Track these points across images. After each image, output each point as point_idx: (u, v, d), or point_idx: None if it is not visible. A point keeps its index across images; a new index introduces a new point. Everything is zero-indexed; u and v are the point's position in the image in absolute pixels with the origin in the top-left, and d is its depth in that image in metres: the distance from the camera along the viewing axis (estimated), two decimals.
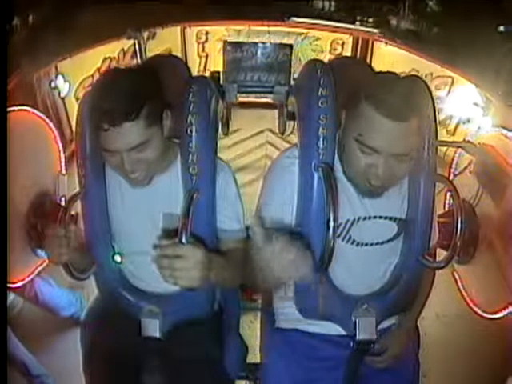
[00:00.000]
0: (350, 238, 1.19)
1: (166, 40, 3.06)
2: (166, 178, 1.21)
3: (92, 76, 2.56)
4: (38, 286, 1.94)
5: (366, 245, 1.20)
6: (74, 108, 2.50)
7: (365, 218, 1.18)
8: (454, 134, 2.49)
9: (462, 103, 2.35)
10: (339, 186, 1.13)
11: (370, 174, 1.08)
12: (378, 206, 1.18)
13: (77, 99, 2.53)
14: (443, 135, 2.53)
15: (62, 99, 2.49)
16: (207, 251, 1.02)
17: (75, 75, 2.53)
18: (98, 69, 2.54)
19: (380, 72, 1.16)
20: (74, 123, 2.31)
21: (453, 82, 2.37)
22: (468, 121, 2.35)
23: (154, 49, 2.77)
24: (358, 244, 1.19)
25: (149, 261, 1.22)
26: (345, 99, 1.11)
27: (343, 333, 1.24)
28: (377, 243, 1.20)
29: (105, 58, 2.58)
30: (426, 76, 2.48)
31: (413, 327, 1.34)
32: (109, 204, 1.24)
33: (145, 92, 1.08)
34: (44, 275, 1.93)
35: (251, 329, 1.63)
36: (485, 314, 1.77)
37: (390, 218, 1.20)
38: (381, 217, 1.19)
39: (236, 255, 1.23)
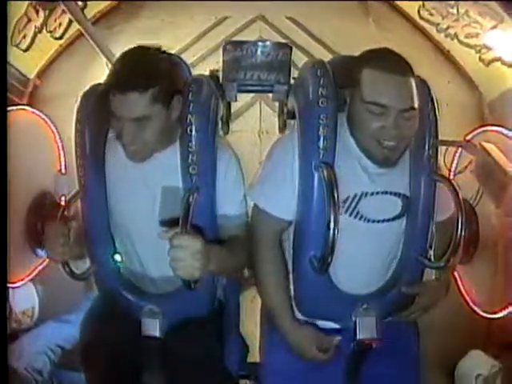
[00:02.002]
0: (357, 213, 1.18)
1: None
2: (165, 156, 1.21)
3: (26, 14, 2.27)
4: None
5: (373, 221, 1.19)
6: (17, 56, 2.27)
7: (372, 194, 1.18)
8: (487, 66, 2.31)
9: (507, 46, 2.15)
10: (350, 159, 1.14)
11: (382, 136, 1.10)
12: (385, 181, 1.19)
13: (16, 46, 2.27)
14: (475, 59, 2.36)
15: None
16: (206, 241, 1.02)
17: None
18: (30, 3, 2.27)
19: None
20: (25, 70, 2.08)
21: (502, 21, 2.13)
22: (509, 66, 2.18)
23: None
24: (364, 219, 1.19)
25: (150, 249, 1.22)
26: (346, 79, 1.15)
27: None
28: (383, 220, 1.20)
29: None
30: None
31: (448, 282, 1.34)
32: (109, 199, 1.24)
33: (158, 73, 1.14)
34: None
35: (254, 303, 1.62)
36: (485, 314, 1.78)
37: (395, 194, 1.20)
38: (387, 192, 1.19)
39: (236, 244, 1.23)
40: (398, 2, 2.55)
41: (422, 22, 2.53)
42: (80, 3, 2.33)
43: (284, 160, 1.20)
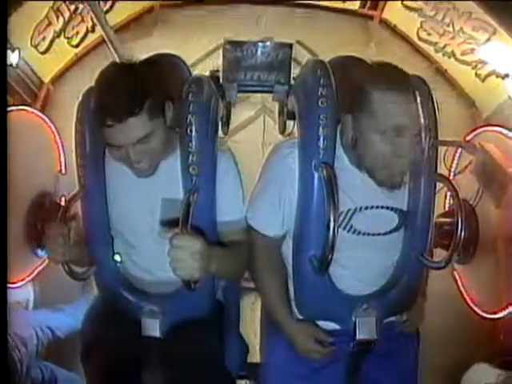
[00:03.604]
0: (351, 227, 1.18)
1: None
2: (166, 166, 1.21)
3: (47, 17, 2.33)
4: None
5: (368, 235, 1.19)
6: (35, 57, 2.33)
7: (366, 208, 1.18)
8: (483, 81, 2.36)
9: (501, 58, 2.20)
10: (343, 174, 1.14)
11: (396, 164, 1.10)
12: (380, 196, 1.19)
13: (35, 47, 2.33)
14: (471, 75, 2.41)
15: (17, 64, 2.21)
16: (207, 242, 1.02)
17: (25, 28, 2.28)
18: (52, 7, 2.32)
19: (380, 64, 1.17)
20: (41, 73, 2.08)
21: (495, 33, 2.20)
22: (503, 78, 2.20)
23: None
24: (359, 233, 1.19)
25: (151, 248, 1.22)
26: (350, 102, 1.12)
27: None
28: (378, 234, 1.20)
29: None
30: (462, 13, 2.31)
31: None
32: (109, 201, 1.24)
33: (146, 86, 1.09)
34: None
35: (253, 310, 1.63)
36: (485, 314, 1.78)
37: (391, 209, 1.20)
38: (382, 207, 1.19)
39: (237, 247, 1.23)
40: (398, 25, 2.62)
41: (420, 43, 2.58)
42: (104, 8, 2.37)
43: (277, 177, 1.20)
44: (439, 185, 1.24)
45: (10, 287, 1.73)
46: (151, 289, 1.29)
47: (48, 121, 1.95)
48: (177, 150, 1.21)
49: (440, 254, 1.34)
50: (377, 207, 1.18)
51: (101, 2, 2.17)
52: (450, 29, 2.43)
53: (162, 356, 1.26)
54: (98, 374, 1.30)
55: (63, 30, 2.47)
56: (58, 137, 1.96)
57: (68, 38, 2.53)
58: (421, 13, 2.50)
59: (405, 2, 2.52)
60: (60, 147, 1.97)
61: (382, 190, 1.17)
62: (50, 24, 2.40)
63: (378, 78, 1.10)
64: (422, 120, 1.13)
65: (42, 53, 2.41)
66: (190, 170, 1.18)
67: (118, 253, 1.28)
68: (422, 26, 2.53)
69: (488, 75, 2.31)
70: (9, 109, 1.63)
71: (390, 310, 1.25)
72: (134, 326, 1.24)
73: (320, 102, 1.13)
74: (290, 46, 1.81)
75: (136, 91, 1.07)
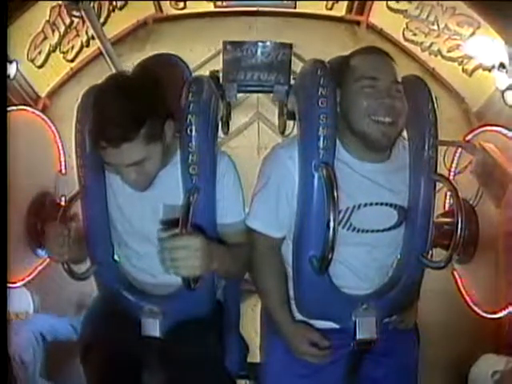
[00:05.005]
0: (350, 224, 1.18)
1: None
2: (166, 173, 1.20)
3: (43, 31, 2.32)
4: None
5: (367, 231, 1.19)
6: (32, 71, 2.34)
7: (365, 205, 1.18)
8: (470, 76, 2.39)
9: (486, 51, 2.22)
10: (340, 168, 1.14)
11: (377, 111, 1.11)
12: (378, 192, 1.19)
13: (32, 61, 2.34)
14: (458, 71, 2.44)
15: (15, 76, 2.22)
16: (208, 240, 1.03)
17: (21, 42, 2.27)
18: (48, 21, 2.32)
19: None
20: (37, 87, 2.05)
21: (479, 27, 2.22)
22: (489, 70, 2.22)
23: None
24: (358, 230, 1.19)
25: (154, 252, 1.23)
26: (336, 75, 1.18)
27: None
28: (377, 230, 1.20)
29: (52, 7, 2.32)
30: (446, 9, 2.33)
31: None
32: (109, 202, 1.24)
33: (144, 111, 1.07)
34: None
35: (254, 312, 1.62)
36: (485, 314, 1.78)
37: (391, 205, 1.20)
38: (382, 203, 1.19)
39: (238, 247, 1.23)
40: (384, 28, 2.65)
41: (406, 44, 2.61)
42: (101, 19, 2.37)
43: (276, 180, 1.20)
44: (439, 185, 1.24)
45: (10, 287, 1.73)
46: (154, 291, 1.29)
47: (48, 121, 1.95)
48: (177, 155, 1.20)
49: (440, 254, 1.34)
50: (376, 204, 1.19)
51: (95, 15, 2.16)
52: (435, 27, 2.46)
53: (161, 356, 1.26)
54: (98, 373, 1.29)
55: (59, 44, 2.48)
56: (58, 137, 1.97)
57: (63, 53, 2.54)
58: (406, 14, 2.53)
59: (389, 3, 2.54)
60: (60, 147, 1.97)
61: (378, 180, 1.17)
62: (45, 38, 2.40)
63: (357, 50, 1.21)
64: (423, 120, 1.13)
65: (39, 67, 2.43)
66: (190, 170, 1.17)
67: (117, 252, 1.28)
68: (407, 27, 2.57)
69: (475, 69, 2.33)
70: (9, 109, 1.62)
71: (389, 309, 1.25)
72: (134, 326, 1.24)
73: (320, 102, 1.13)
74: (290, 46, 1.82)
75: (133, 116, 1.05)
